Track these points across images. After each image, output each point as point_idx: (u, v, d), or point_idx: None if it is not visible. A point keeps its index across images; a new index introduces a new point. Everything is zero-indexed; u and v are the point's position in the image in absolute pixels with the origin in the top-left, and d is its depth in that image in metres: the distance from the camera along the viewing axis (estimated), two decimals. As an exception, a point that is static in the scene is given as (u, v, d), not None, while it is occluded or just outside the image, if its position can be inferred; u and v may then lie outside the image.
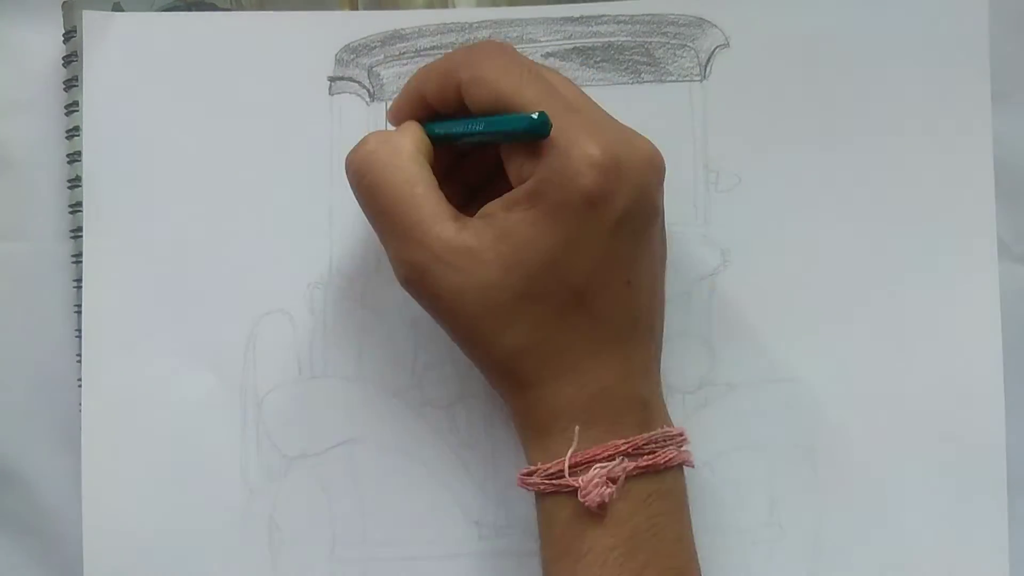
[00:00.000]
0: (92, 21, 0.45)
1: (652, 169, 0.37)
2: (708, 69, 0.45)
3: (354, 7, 0.45)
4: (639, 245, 0.37)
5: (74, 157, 0.45)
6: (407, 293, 0.38)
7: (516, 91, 0.36)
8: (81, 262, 0.45)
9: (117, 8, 0.45)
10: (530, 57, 0.44)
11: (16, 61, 0.47)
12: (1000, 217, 0.45)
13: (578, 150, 0.35)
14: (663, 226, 0.39)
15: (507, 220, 0.36)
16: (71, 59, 0.45)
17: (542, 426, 0.37)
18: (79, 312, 0.45)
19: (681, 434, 0.38)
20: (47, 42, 0.46)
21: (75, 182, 0.45)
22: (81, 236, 0.45)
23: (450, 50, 0.45)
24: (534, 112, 0.35)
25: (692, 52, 0.45)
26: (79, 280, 0.45)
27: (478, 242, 0.36)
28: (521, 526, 0.44)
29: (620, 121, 0.38)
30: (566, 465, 0.36)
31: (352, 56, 0.45)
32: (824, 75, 0.44)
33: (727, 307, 0.44)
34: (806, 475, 0.44)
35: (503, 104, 0.36)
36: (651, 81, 0.45)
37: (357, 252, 0.45)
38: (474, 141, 0.38)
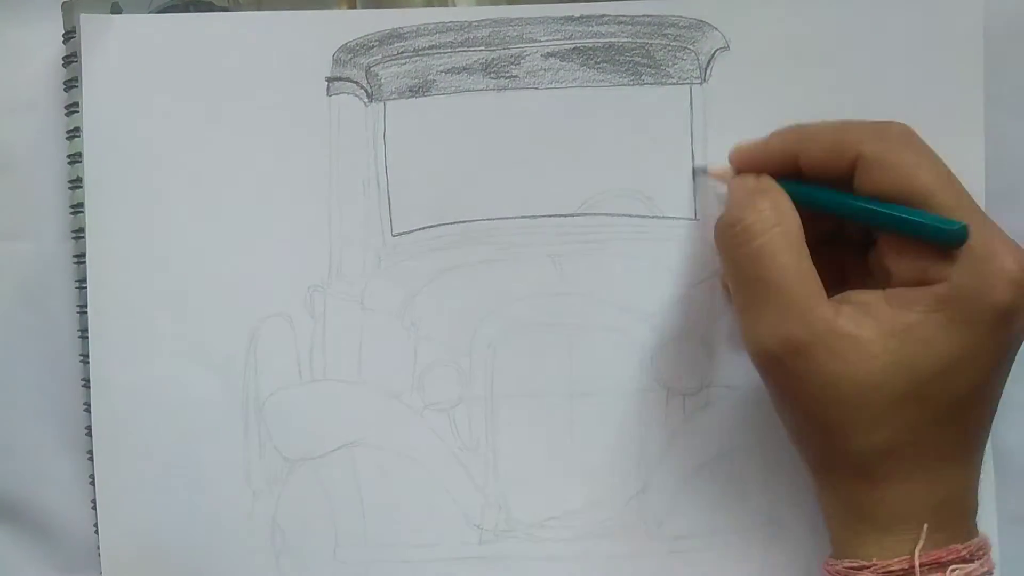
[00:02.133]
0: (89, 24, 0.44)
1: None
2: (708, 71, 0.44)
3: (352, 6, 0.45)
4: (1014, 358, 0.37)
5: (75, 158, 0.45)
6: (758, 366, 0.38)
7: (932, 189, 0.36)
8: (83, 263, 0.45)
9: (116, 8, 0.45)
10: (529, 57, 0.44)
11: (16, 62, 0.46)
12: (993, 217, 0.44)
13: (997, 263, 0.35)
14: None
15: (902, 318, 0.36)
16: (71, 60, 0.45)
17: (883, 523, 0.37)
18: (82, 312, 0.45)
19: (987, 541, 0.38)
20: (47, 43, 0.46)
21: (76, 183, 0.45)
22: (83, 237, 0.45)
23: (449, 49, 0.44)
24: (951, 217, 0.36)
25: (692, 54, 0.44)
26: (82, 281, 0.45)
27: (862, 332, 0.36)
28: (522, 530, 0.44)
29: None
30: (916, 563, 0.36)
31: (350, 56, 0.44)
32: (823, 78, 0.44)
33: (727, 309, 0.44)
34: (805, 476, 0.44)
35: (913, 197, 0.36)
36: (651, 83, 0.44)
37: (357, 254, 0.45)
38: (850, 221, 0.38)
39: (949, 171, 0.37)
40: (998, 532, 0.44)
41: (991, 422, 0.38)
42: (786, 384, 0.37)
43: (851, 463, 0.37)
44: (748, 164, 0.41)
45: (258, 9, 0.45)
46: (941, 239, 0.36)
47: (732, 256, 0.38)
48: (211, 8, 0.45)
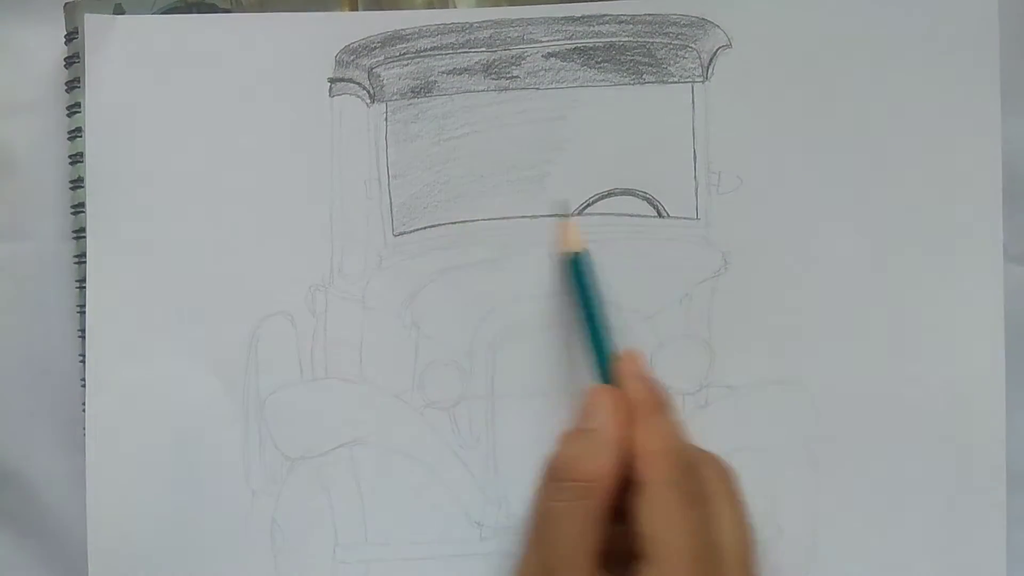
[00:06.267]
0: (93, 24, 0.44)
1: None
2: (710, 70, 0.44)
3: (354, 7, 0.45)
4: None
5: (76, 158, 0.45)
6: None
7: (663, 542, 0.36)
8: (83, 263, 0.45)
9: (118, 9, 0.45)
10: (530, 58, 0.44)
11: (18, 62, 0.47)
12: (1009, 217, 0.44)
13: None
14: None
15: None
16: (73, 60, 0.45)
17: None
18: (82, 312, 0.45)
19: None
20: (49, 43, 0.46)
21: (77, 183, 0.45)
22: (83, 237, 0.45)
23: (450, 51, 0.44)
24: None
25: (694, 53, 0.44)
26: (82, 280, 0.45)
27: None
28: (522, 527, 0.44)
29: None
30: None
31: (352, 57, 0.45)
32: (827, 75, 0.44)
33: (728, 309, 0.44)
34: (805, 476, 0.44)
35: (641, 537, 0.36)
36: (653, 82, 0.45)
37: (358, 254, 0.45)
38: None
39: (736, 546, 0.37)
40: (1007, 533, 0.44)
41: None
42: None
43: None
44: (624, 374, 0.41)
45: (261, 10, 0.45)
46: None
47: (537, 494, 0.39)
48: (214, 9, 0.45)
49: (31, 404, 0.47)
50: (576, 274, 0.43)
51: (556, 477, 0.39)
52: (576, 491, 0.38)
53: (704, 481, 0.38)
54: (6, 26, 0.47)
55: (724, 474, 0.39)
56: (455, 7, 0.45)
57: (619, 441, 0.38)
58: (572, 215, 0.44)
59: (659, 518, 0.37)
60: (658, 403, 0.40)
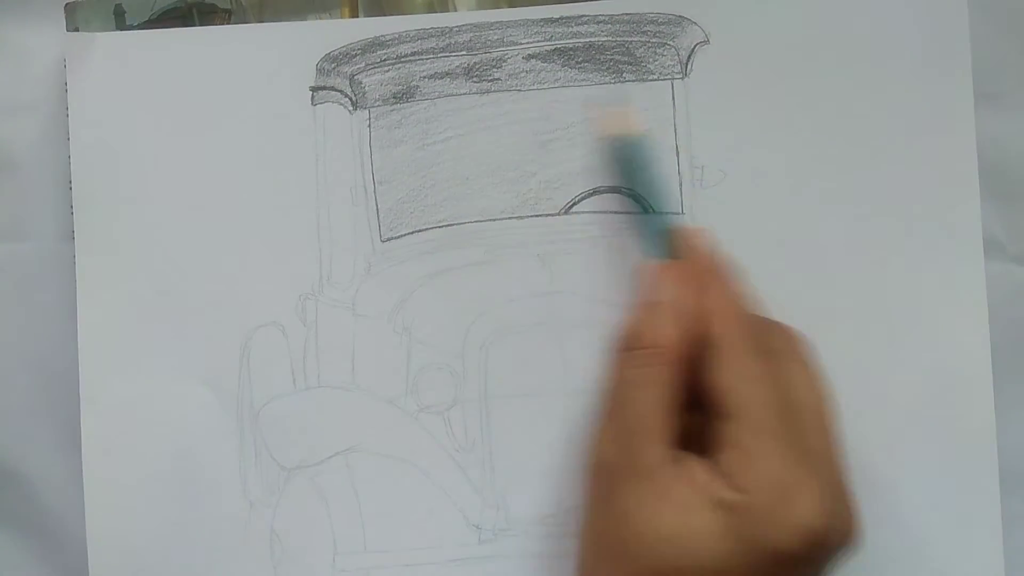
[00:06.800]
0: (73, 43, 0.44)
1: (850, 544, 0.36)
2: (689, 66, 0.44)
3: (354, 10, 0.45)
4: None
5: (76, 159, 0.45)
6: (586, 471, 0.39)
7: (744, 394, 0.36)
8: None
9: (118, 10, 0.45)
10: (511, 60, 0.44)
11: (18, 62, 0.46)
12: (996, 217, 0.45)
13: (796, 508, 0.34)
14: None
15: (695, 503, 0.35)
16: (72, 61, 0.45)
17: None
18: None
19: None
20: (49, 43, 0.46)
21: (77, 183, 0.45)
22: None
23: (431, 55, 0.44)
24: (754, 445, 0.35)
25: (673, 50, 0.44)
26: (82, 280, 0.45)
27: (670, 492, 0.35)
28: (521, 528, 0.44)
29: (843, 467, 0.37)
30: None
31: (333, 65, 0.45)
32: (805, 68, 0.44)
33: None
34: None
35: (720, 394, 0.36)
36: (633, 80, 0.45)
37: (346, 261, 0.45)
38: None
39: (788, 394, 0.37)
40: (1005, 534, 0.44)
41: None
42: (595, 498, 0.38)
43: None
44: (690, 246, 0.41)
45: (260, 11, 0.45)
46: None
47: (610, 367, 0.39)
48: (213, 9, 0.45)
49: (31, 404, 0.46)
50: (633, 158, 0.43)
51: (626, 347, 0.38)
52: (647, 357, 0.37)
53: (775, 342, 0.38)
54: (6, 26, 0.46)
55: (795, 339, 0.39)
56: (455, 9, 0.45)
57: (688, 310, 0.38)
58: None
59: (736, 371, 0.36)
60: (727, 271, 0.40)
